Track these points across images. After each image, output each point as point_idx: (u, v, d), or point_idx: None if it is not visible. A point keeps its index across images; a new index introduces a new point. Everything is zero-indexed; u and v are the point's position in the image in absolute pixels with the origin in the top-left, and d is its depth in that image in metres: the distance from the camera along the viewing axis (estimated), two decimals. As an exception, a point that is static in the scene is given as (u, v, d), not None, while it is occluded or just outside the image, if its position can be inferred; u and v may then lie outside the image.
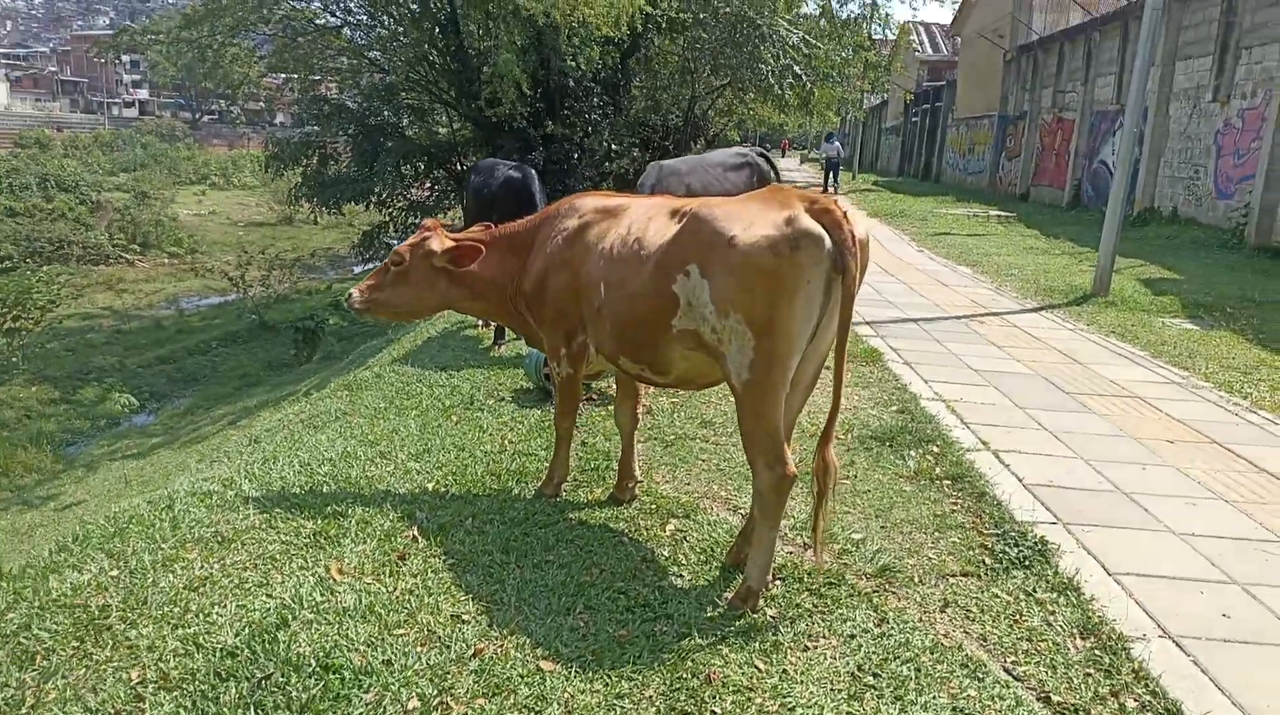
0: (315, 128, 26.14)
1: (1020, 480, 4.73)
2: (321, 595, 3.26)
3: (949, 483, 4.67)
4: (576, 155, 24.19)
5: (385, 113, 26.18)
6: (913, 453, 5.09)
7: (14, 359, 18.39)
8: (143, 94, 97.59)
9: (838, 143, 28.69)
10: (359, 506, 4.05)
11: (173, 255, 34.48)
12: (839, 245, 3.13)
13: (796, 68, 22.69)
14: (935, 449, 5.14)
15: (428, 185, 25.38)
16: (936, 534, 4.08)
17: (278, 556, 3.55)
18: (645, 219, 3.72)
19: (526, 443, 5.04)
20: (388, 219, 24.43)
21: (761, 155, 7.50)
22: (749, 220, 3.22)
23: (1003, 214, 20.37)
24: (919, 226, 17.66)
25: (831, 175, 28.89)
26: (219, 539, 3.72)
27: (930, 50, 45.61)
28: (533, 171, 7.28)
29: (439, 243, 4.18)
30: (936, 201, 23.77)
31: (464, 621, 3.18)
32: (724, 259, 3.22)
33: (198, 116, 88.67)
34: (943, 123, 33.73)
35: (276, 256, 28.84)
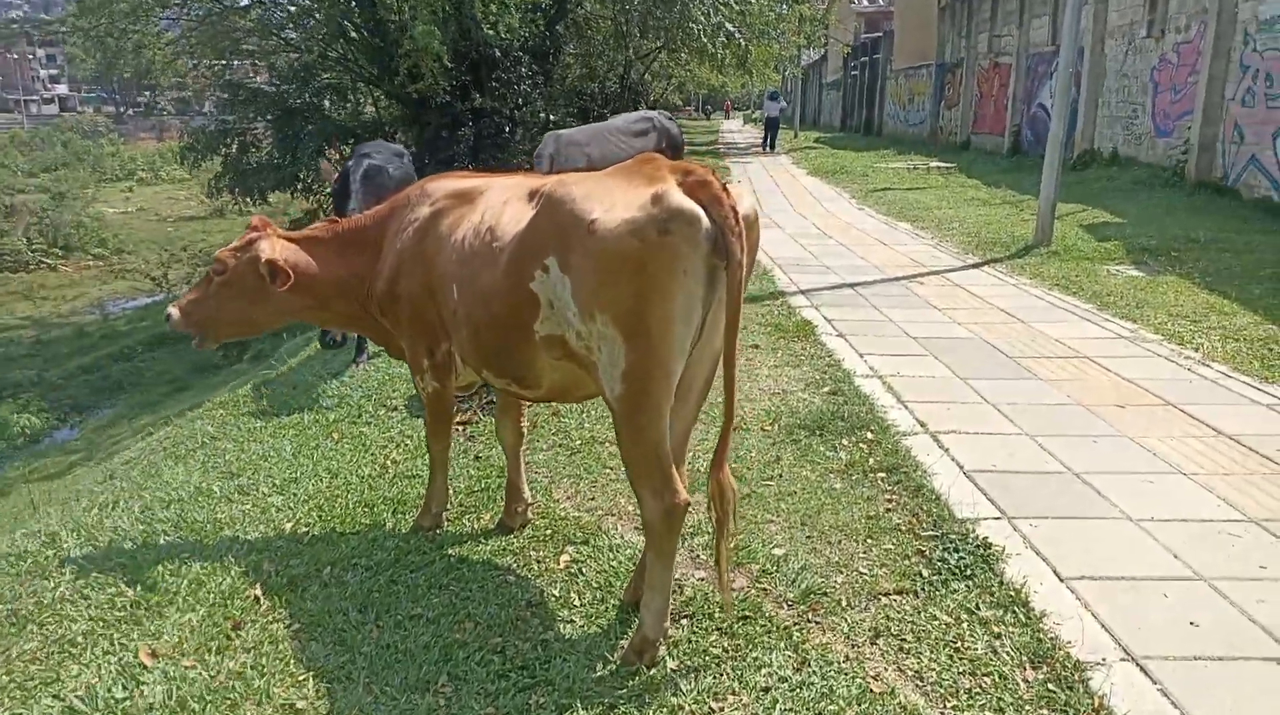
0: (231, 115, 24.95)
1: (961, 467, 4.27)
2: (123, 690, 2.68)
3: (883, 475, 4.19)
4: (508, 128, 23.31)
5: (305, 95, 24.99)
6: (845, 442, 4.61)
7: (-80, 381, 17.30)
8: (62, 89, 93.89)
9: (782, 101, 28.07)
10: (197, 562, 3.45)
11: (97, 257, 32.94)
12: (719, 225, 2.58)
13: (729, 25, 22.01)
14: (869, 436, 4.66)
15: (356, 169, 24.24)
16: (869, 541, 3.60)
17: (80, 640, 2.95)
18: (501, 203, 3.15)
19: (412, 462, 4.47)
20: (315, 206, 23.42)
21: (668, 118, 6.91)
22: (610, 200, 2.66)
23: (943, 165, 20.00)
24: (860, 183, 17.20)
25: (771, 135, 28.31)
26: (14, 620, 3.10)
27: (866, 1, 45.01)
28: (372, 161, 6.16)
29: (270, 246, 3.54)
30: (878, 155, 23.36)
31: (298, 713, 2.62)
32: (584, 249, 2.65)
33: (122, 110, 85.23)
34: (882, 75, 33.24)
35: (201, 251, 27.64)
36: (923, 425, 4.80)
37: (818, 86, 50.14)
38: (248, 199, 25.04)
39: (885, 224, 12.17)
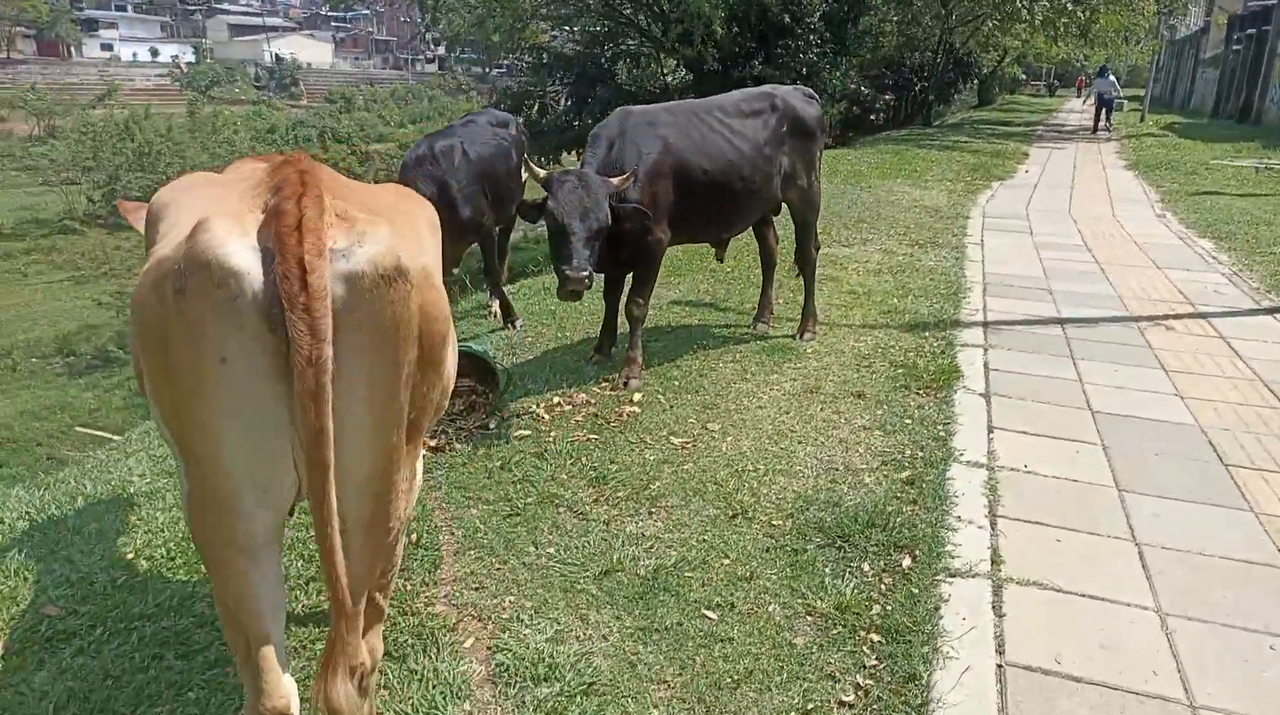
0: (534, 78, 26.01)
1: (1002, 658, 2.76)
2: None
3: (876, 641, 2.82)
4: (789, 100, 21.97)
5: (602, 61, 25.43)
6: (864, 568, 3.24)
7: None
8: (442, 50, 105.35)
9: (1111, 77, 23.95)
10: (-24, 586, 3.02)
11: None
12: (284, 280, 1.54)
13: (1055, -13, 18.79)
14: (906, 563, 3.25)
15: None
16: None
17: None
18: None
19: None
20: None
21: (806, 95, 5.48)
22: (176, 232, 1.71)
23: (1319, 167, 15.65)
24: (1181, 183, 13.89)
25: (1104, 115, 24.25)
26: None
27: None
28: (442, 141, 5.57)
29: None
30: (1233, 149, 18.94)
31: None
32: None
33: (487, 70, 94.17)
34: (1269, 51, 27.13)
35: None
36: (995, 563, 3.26)
37: (1192, 64, 42.57)
38: (542, 158, 26.08)
39: (1178, 239, 9.52)
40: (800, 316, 5.87)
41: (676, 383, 4.99)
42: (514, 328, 6.05)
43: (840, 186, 12.24)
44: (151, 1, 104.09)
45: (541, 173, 4.50)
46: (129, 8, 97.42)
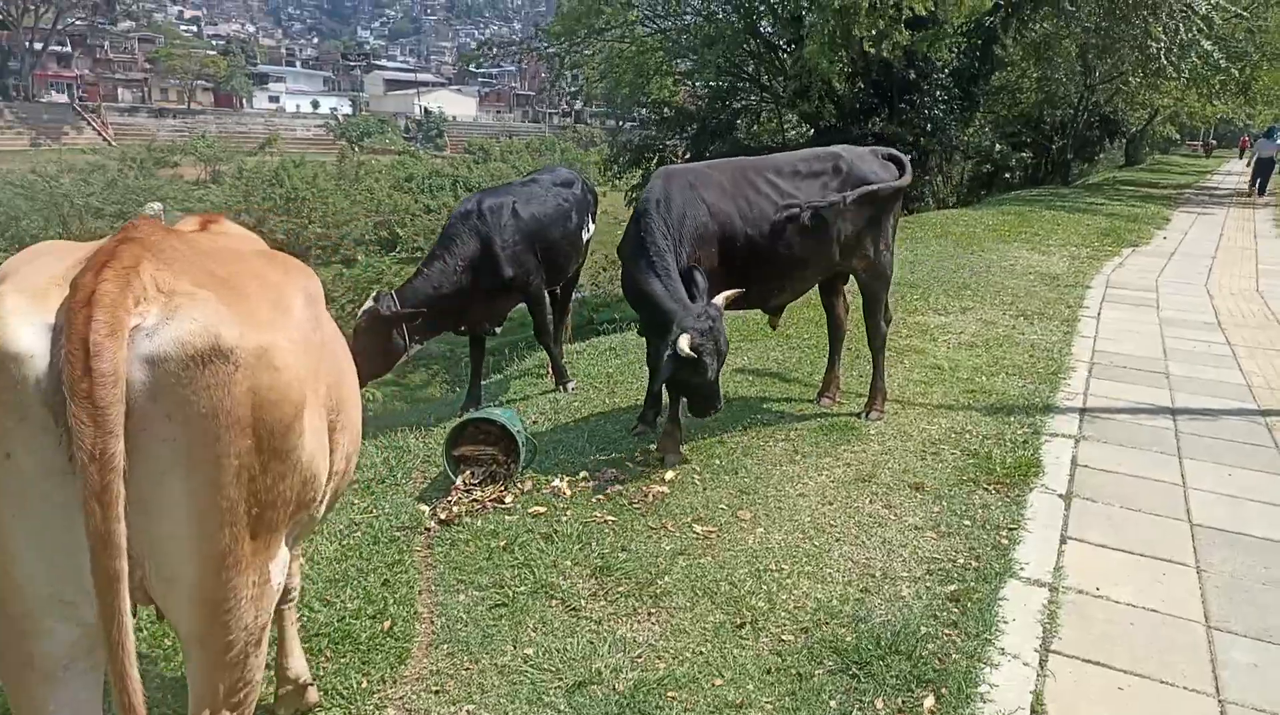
0: (654, 131, 26.31)
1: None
2: None
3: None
4: (910, 157, 21.27)
5: (722, 115, 25.50)
6: (878, 705, 2.79)
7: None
8: (578, 105, 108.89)
9: (1279, 140, 22.15)
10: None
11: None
12: (66, 363, 1.36)
13: (1205, 43, 17.60)
14: (929, 703, 2.78)
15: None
16: None
17: None
18: None
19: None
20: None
21: (885, 156, 5.07)
22: None
23: None
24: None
25: (1261, 179, 22.41)
26: None
27: None
28: (493, 198, 5.46)
29: None
30: None
31: None
32: None
33: (619, 124, 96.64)
34: None
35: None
36: (1037, 711, 2.75)
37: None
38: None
39: (1332, 319, 8.47)
40: (868, 393, 5.41)
41: (717, 462, 4.63)
42: (565, 390, 5.84)
43: (950, 249, 11.61)
44: (318, 58, 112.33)
45: (686, 345, 4.04)
46: (297, 64, 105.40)
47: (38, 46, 66.89)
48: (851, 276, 5.27)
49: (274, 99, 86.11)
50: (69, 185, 28.04)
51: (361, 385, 4.91)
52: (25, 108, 61.76)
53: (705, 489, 4.32)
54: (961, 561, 3.65)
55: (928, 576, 3.54)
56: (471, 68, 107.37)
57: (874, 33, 15.05)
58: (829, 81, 17.45)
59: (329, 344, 2.03)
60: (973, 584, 3.46)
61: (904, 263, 10.40)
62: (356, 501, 4.25)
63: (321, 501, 1.98)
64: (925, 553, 3.73)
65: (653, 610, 3.32)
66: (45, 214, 26.45)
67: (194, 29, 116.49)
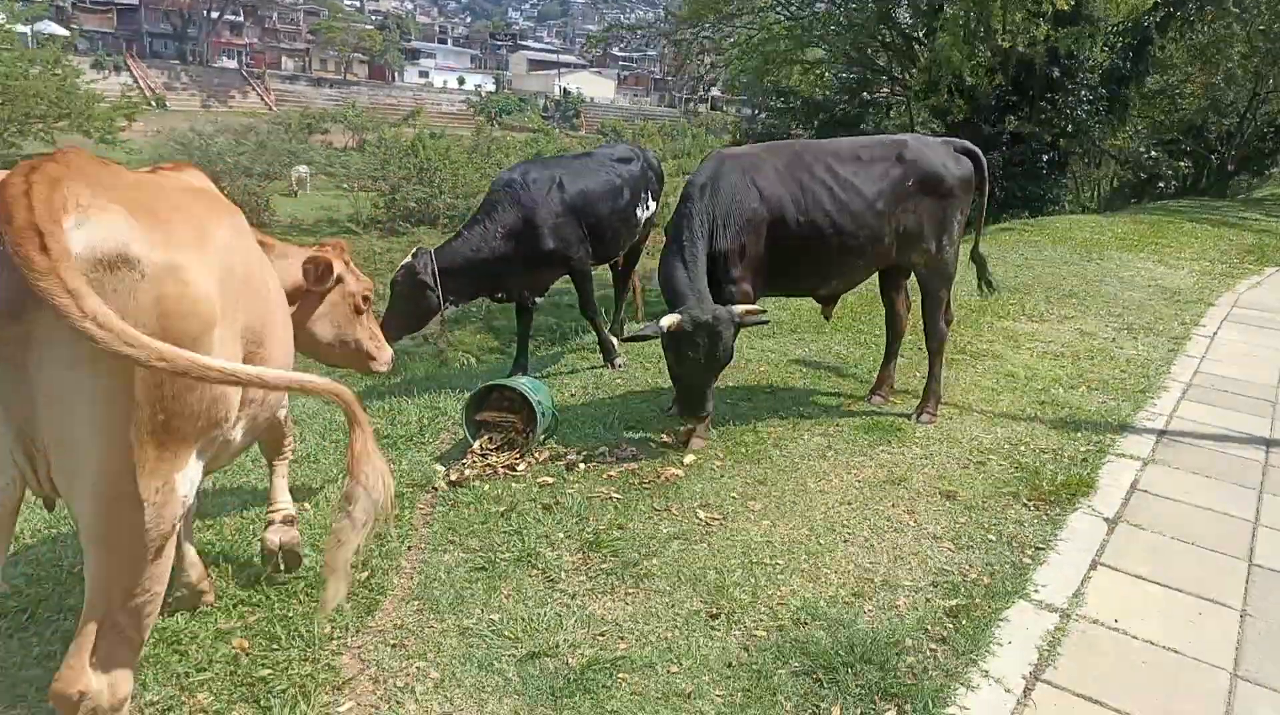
0: (777, 120, 25.91)
1: None
2: None
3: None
4: (1047, 156, 20.14)
5: (850, 107, 24.85)
6: (833, 711, 2.64)
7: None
8: (716, 92, 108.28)
9: None
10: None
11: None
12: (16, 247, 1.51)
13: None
14: (888, 717, 2.61)
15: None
16: None
17: None
18: None
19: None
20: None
21: (963, 150, 4.75)
22: None
23: None
24: None
25: None
26: None
27: None
28: (537, 172, 5.43)
29: None
30: None
31: None
32: None
33: (755, 113, 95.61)
34: None
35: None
36: (1004, 743, 2.54)
37: None
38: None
39: None
40: (921, 394, 5.15)
41: (743, 450, 4.50)
42: (613, 367, 5.80)
43: (1066, 255, 10.92)
44: (468, 37, 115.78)
45: (672, 320, 4.09)
46: (449, 41, 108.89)
47: (214, 15, 71.59)
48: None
49: (423, 74, 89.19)
50: (222, 144, 29.89)
51: (395, 340, 5.07)
52: (199, 72, 66.28)
53: (722, 476, 4.20)
54: (973, 577, 3.42)
55: (930, 588, 3.33)
56: (615, 51, 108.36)
57: (1011, 27, 14.25)
58: (960, 75, 16.65)
59: (255, 281, 2.06)
60: (977, 600, 3.23)
61: (1011, 265, 9.86)
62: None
63: (234, 425, 2.02)
64: (935, 564, 3.51)
65: (631, 590, 3.25)
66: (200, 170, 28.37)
67: (356, 4, 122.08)
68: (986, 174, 4.82)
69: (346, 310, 3.40)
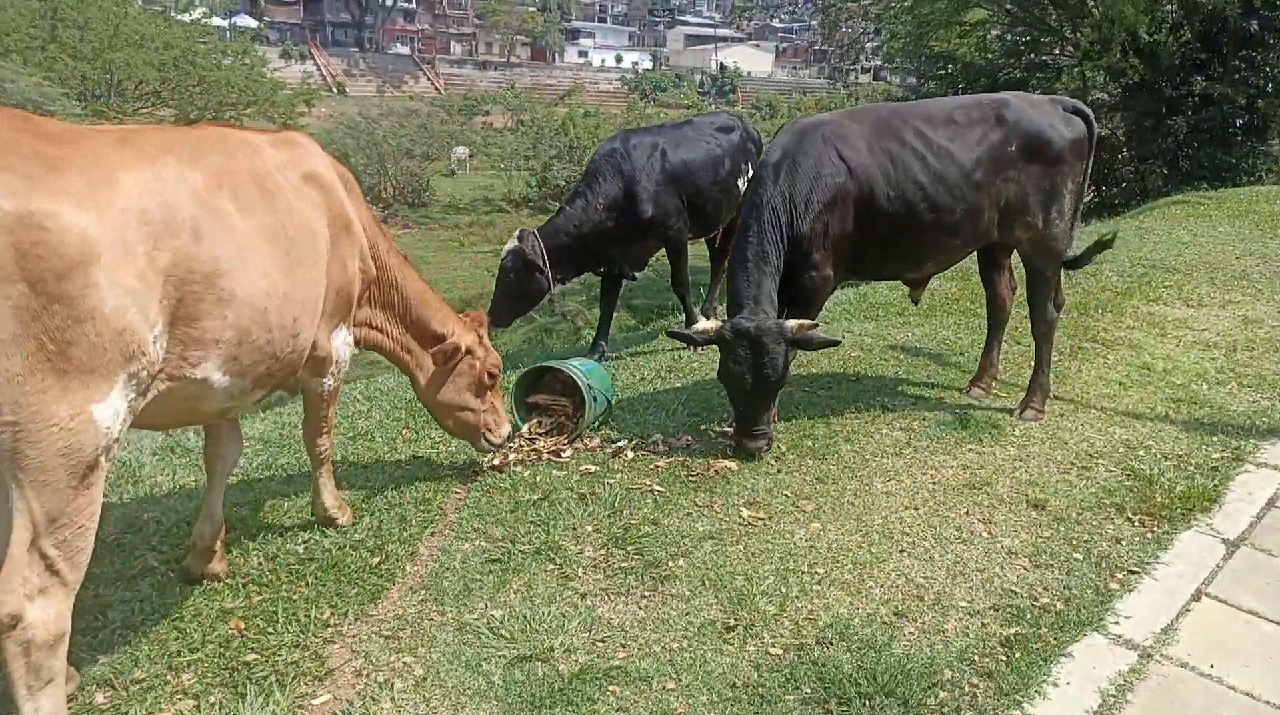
0: (932, 84, 24.51)
1: None
2: None
3: None
4: (1241, 120, 17.99)
5: (1016, 71, 23.13)
6: (837, 748, 2.34)
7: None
8: (878, 61, 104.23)
9: None
10: None
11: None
12: None
13: None
14: (898, 762, 2.28)
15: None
16: None
17: None
18: None
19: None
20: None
21: (1077, 112, 4.14)
22: None
23: None
24: None
25: None
26: None
27: None
28: (637, 138, 5.40)
29: None
30: None
31: None
32: None
33: (920, 82, 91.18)
34: None
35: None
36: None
37: None
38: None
39: None
40: (1027, 387, 4.61)
41: (810, 443, 4.15)
42: (693, 350, 5.54)
43: (1244, 231, 9.66)
44: (626, 14, 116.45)
45: (711, 326, 3.96)
46: (608, 19, 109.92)
47: (389, 3, 75.22)
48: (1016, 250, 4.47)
49: (583, 54, 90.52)
50: (387, 128, 31.32)
51: (505, 325, 5.00)
52: (375, 58, 69.88)
53: (779, 471, 3.88)
54: (1044, 601, 2.98)
55: (989, 611, 2.92)
56: (774, 23, 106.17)
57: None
58: (1134, 33, 15.08)
59: (204, 222, 2.24)
60: (1042, 630, 2.81)
61: (1174, 243, 8.83)
62: (435, 435, 4.29)
63: (152, 359, 2.10)
64: (1003, 583, 3.08)
65: (647, 593, 3.03)
66: (367, 152, 29.90)
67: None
68: (1095, 137, 4.22)
69: (472, 380, 3.53)
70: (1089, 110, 4.30)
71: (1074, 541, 3.35)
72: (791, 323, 3.82)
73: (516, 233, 5.19)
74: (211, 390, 2.38)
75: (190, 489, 3.69)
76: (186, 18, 29.75)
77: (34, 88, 20.69)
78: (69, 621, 2.01)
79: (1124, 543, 3.34)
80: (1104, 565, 3.19)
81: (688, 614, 2.91)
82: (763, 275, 3.91)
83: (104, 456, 2.02)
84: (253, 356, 2.45)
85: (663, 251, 5.59)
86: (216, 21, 40.28)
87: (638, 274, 5.48)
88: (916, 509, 3.58)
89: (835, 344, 3.95)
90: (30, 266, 1.83)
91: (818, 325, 3.94)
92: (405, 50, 76.60)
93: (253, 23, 62.85)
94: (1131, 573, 3.14)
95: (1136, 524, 3.48)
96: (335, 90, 56.87)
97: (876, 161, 4.05)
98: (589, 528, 3.41)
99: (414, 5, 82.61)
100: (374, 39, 74.84)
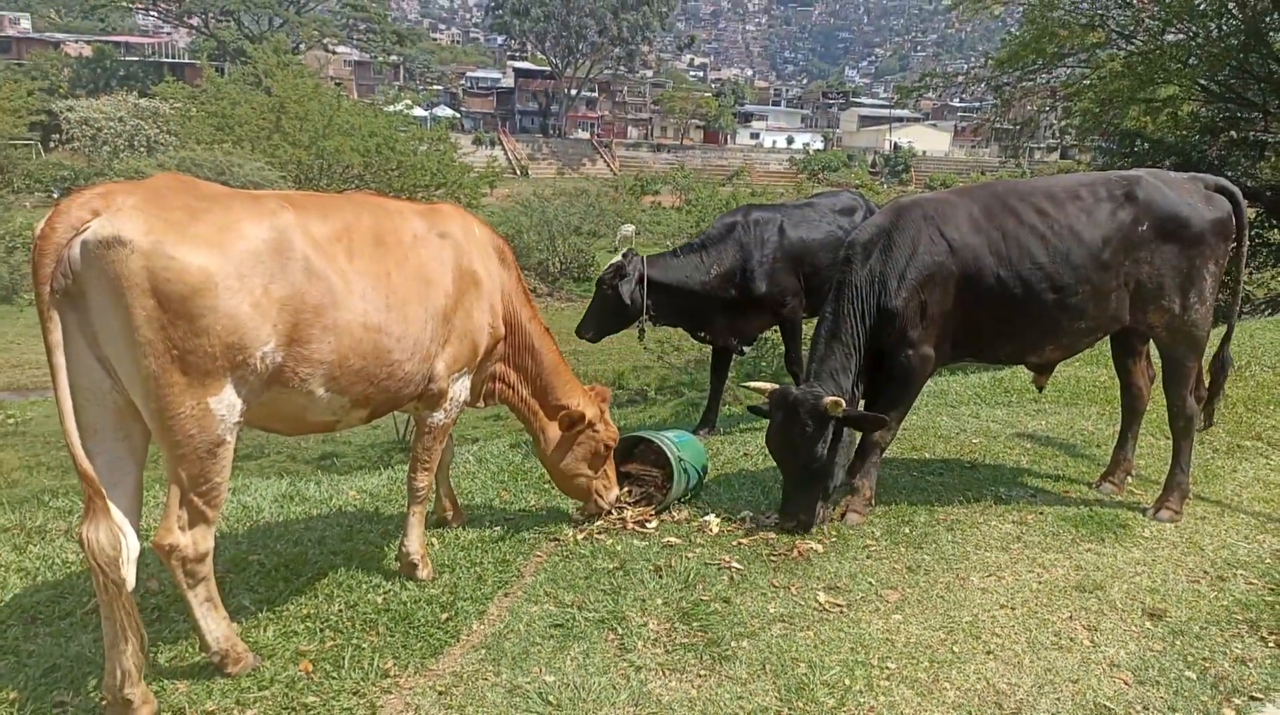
0: (1115, 162, 23.24)
1: None
2: None
3: None
4: None
5: (1209, 151, 21.62)
6: None
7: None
8: (1068, 139, 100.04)
9: None
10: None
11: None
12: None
13: None
14: None
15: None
16: None
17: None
18: None
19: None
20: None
21: (1221, 190, 3.78)
22: None
23: None
24: None
25: None
26: None
27: None
28: (761, 213, 5.42)
29: None
30: None
31: None
32: None
33: (1114, 160, 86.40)
34: None
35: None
36: None
37: None
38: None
39: None
40: (1163, 485, 4.20)
41: (906, 530, 3.95)
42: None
43: None
44: (801, 97, 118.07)
45: (757, 385, 4.18)
46: (782, 103, 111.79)
47: (573, 93, 79.81)
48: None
49: (754, 135, 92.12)
50: (557, 206, 32.95)
51: (595, 340, 5.11)
52: (558, 143, 73.95)
53: (867, 557, 3.71)
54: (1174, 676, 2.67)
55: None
56: (954, 103, 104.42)
57: None
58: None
59: (316, 266, 2.72)
60: None
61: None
62: (533, 501, 4.40)
63: (259, 370, 2.59)
64: (1096, 697, 2.79)
65: (704, 672, 2.95)
66: (538, 229, 31.48)
67: (699, 74, 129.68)
68: (1245, 219, 3.89)
69: (590, 450, 3.87)
70: (1235, 188, 3.98)
71: (1189, 658, 3.00)
72: (829, 399, 3.72)
73: (624, 250, 5.30)
74: (316, 402, 2.86)
75: (299, 536, 3.94)
76: (391, 109, 32.71)
77: (256, 172, 23.30)
78: (211, 543, 2.67)
79: (1252, 665, 2.96)
80: (1220, 687, 2.83)
81: (740, 698, 2.81)
82: (831, 352, 3.88)
83: (228, 435, 2.58)
84: (350, 378, 2.90)
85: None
86: (418, 112, 43.85)
87: (746, 348, 5.46)
88: (1013, 609, 3.32)
89: (881, 423, 3.88)
90: (160, 287, 2.35)
91: (853, 401, 3.94)
92: (585, 135, 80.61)
93: (451, 113, 68.19)
94: (1253, 699, 2.77)
95: (1269, 645, 3.08)
96: (518, 172, 60.54)
97: (986, 239, 3.90)
98: (659, 600, 3.38)
99: (595, 94, 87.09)
100: (558, 125, 79.31)
